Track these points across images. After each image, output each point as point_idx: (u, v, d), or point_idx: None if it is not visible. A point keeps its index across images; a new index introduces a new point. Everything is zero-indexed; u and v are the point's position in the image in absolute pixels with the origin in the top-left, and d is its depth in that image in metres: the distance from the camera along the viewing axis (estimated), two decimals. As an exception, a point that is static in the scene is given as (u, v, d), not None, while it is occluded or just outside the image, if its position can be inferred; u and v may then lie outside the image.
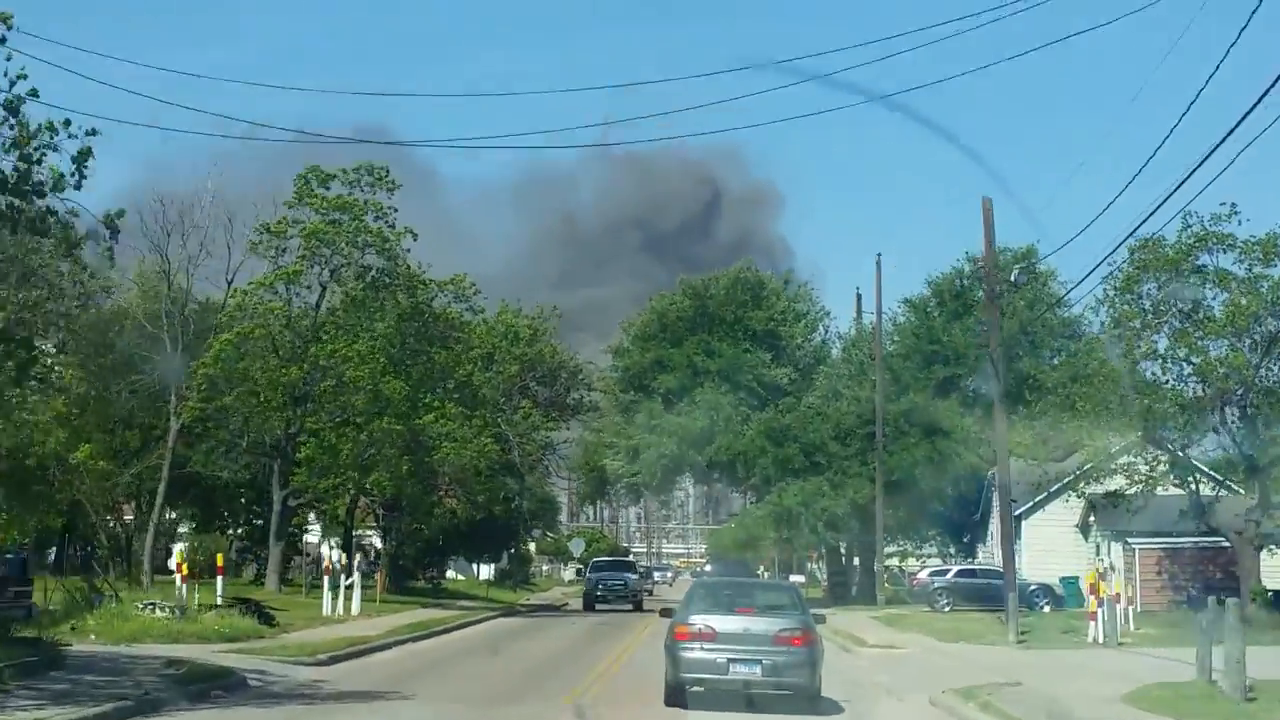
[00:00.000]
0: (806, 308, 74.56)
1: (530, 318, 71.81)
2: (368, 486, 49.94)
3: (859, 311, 75.41)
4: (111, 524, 55.99)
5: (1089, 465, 49.32)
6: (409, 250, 48.91)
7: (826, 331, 75.72)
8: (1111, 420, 45.19)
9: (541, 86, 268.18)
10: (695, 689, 21.11)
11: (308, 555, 66.04)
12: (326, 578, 40.28)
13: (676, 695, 21.14)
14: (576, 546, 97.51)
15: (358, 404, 47.33)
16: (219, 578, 38.62)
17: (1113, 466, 46.39)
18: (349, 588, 41.75)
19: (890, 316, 71.62)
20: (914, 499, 65.54)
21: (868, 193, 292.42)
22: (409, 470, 48.20)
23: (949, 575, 56.64)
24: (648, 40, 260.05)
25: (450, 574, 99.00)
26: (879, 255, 62.31)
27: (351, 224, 47.52)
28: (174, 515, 67.26)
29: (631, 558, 63.94)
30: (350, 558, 46.10)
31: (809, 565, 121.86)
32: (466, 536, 67.52)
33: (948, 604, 54.44)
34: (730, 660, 20.70)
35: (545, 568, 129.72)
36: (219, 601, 34.13)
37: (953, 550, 77.46)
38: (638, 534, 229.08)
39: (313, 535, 73.01)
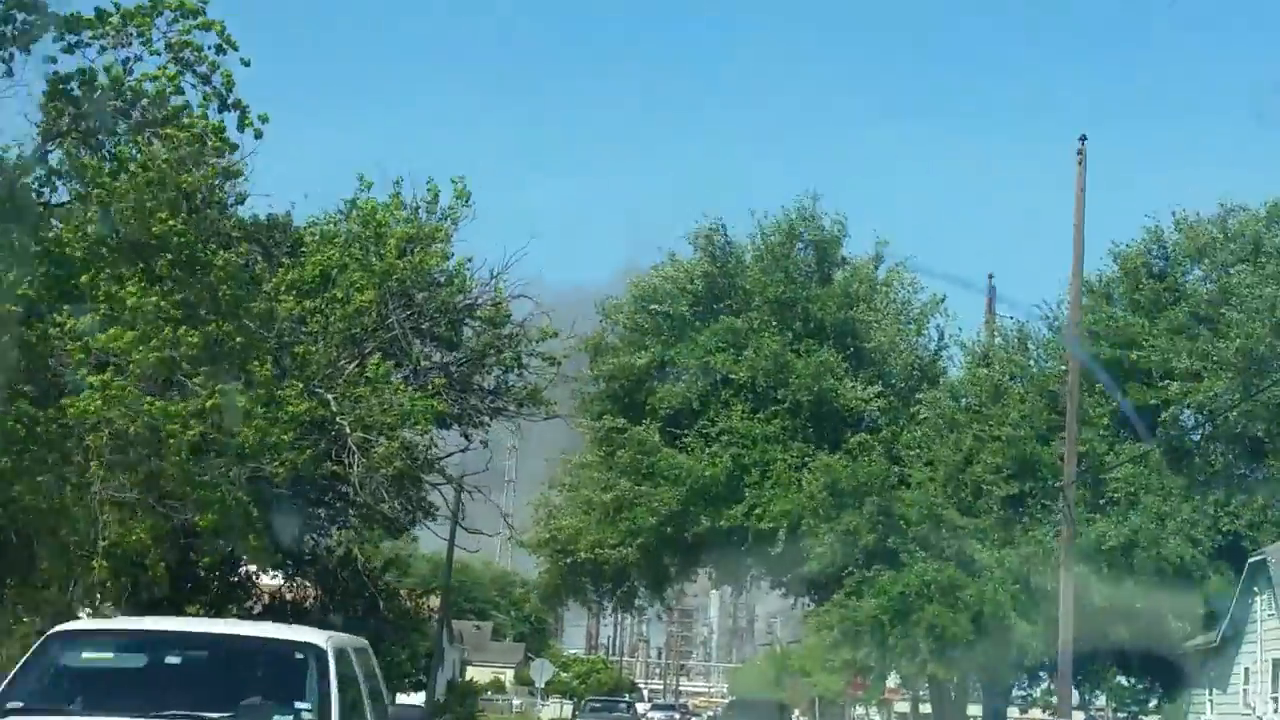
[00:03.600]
0: (908, 295, 45.52)
1: (409, 209, 34.54)
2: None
3: (991, 307, 46.72)
4: None
5: None
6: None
7: (942, 336, 46.58)
8: None
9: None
10: None
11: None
12: None
13: None
14: (540, 672, 67.25)
15: None
16: None
17: None
18: None
19: (1042, 311, 43.26)
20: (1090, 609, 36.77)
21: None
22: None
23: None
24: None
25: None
26: (1082, 138, 33.66)
27: None
28: None
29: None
30: None
31: (861, 711, 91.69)
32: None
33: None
34: None
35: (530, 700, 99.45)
36: None
37: (1117, 699, 47.99)
38: (656, 670, 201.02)
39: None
